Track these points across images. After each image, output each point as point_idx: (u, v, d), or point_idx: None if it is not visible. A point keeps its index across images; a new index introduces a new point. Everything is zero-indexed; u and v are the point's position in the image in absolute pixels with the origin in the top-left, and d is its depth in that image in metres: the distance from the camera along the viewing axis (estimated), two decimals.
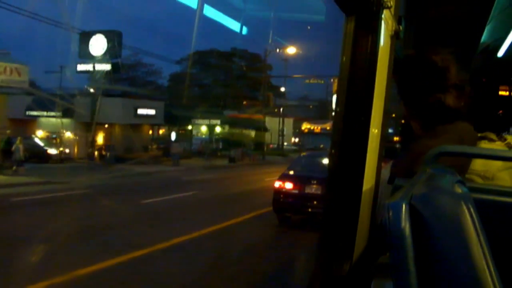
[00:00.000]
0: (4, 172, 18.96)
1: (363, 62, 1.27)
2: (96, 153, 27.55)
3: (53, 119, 28.62)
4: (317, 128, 33.77)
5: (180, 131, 38.51)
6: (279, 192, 10.06)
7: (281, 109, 46.08)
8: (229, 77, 42.39)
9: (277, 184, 10.19)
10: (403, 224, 0.68)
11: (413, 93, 1.37)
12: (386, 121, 1.56)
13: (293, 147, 50.08)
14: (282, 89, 46.61)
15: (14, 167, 19.40)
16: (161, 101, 33.82)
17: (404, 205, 0.70)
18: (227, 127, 39.28)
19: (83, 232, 8.99)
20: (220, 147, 34.60)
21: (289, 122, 52.71)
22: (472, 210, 0.72)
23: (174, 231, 9.35)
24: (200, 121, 37.69)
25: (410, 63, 1.42)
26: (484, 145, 1.27)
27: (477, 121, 1.39)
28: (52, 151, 26.04)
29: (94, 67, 24.91)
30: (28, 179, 17.53)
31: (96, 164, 25.45)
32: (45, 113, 28.81)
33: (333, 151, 1.33)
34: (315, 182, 9.63)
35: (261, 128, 39.20)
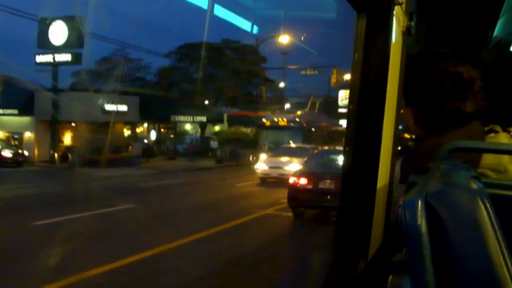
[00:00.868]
0: None
1: (376, 59, 1.27)
2: (56, 155, 24.45)
3: (12, 117, 25.69)
4: (282, 120, 25.94)
5: (162, 129, 36.24)
6: (293, 187, 10.36)
7: (285, 107, 44.06)
8: (220, 71, 39.62)
9: (292, 180, 10.50)
10: (419, 221, 0.68)
11: (429, 102, 1.30)
12: (399, 118, 1.55)
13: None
14: (282, 84, 43.50)
15: None
16: (135, 96, 29.41)
17: (420, 202, 0.70)
18: (222, 126, 37.12)
19: None
20: (215, 146, 31.09)
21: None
22: (488, 205, 0.72)
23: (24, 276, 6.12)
24: (182, 117, 33.88)
25: (430, 75, 1.30)
26: (491, 139, 1.26)
27: (488, 117, 1.37)
28: (6, 153, 22.79)
29: (54, 58, 23.09)
30: None
31: (56, 168, 22.74)
32: (0, 111, 25.57)
33: (347, 148, 1.34)
34: (328, 177, 10.03)
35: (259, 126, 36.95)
